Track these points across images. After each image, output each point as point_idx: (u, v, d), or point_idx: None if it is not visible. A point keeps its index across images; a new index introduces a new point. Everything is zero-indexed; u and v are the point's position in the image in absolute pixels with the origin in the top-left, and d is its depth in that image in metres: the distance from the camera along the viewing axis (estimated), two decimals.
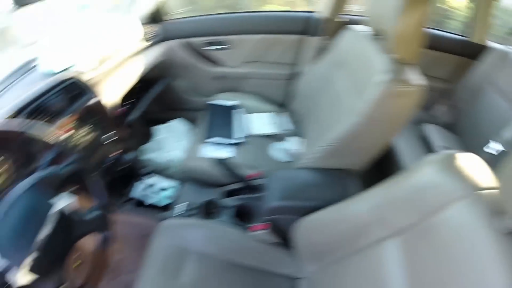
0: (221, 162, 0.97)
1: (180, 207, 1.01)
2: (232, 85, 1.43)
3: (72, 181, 0.69)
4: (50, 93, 0.84)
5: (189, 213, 1.00)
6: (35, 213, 0.57)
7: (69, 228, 0.62)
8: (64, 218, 0.60)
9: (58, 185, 0.63)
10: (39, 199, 0.60)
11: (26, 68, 0.97)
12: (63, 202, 0.60)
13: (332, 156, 0.84)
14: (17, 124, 0.67)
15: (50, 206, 0.59)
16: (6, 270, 0.51)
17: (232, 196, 1.02)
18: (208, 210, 1.00)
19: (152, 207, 1.11)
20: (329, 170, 0.87)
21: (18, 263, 0.51)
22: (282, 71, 1.36)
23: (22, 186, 0.59)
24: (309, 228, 0.75)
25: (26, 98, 0.80)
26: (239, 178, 0.98)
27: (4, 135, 0.65)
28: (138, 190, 1.13)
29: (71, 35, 0.98)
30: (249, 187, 0.99)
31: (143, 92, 1.31)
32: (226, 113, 1.20)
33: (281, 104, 1.36)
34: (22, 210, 0.56)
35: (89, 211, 0.67)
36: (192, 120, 1.46)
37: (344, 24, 1.10)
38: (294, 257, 0.78)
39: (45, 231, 0.56)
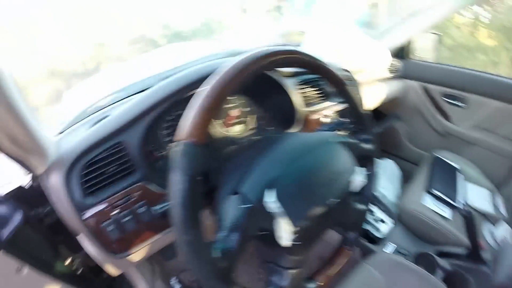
0: (465, 217, 0.93)
1: (390, 246, 1.06)
2: (453, 145, 1.38)
3: (365, 160, 0.61)
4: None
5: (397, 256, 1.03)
6: (335, 172, 0.48)
7: (343, 208, 0.53)
8: (349, 195, 0.52)
9: (356, 158, 0.54)
10: (343, 160, 0.50)
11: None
12: (357, 176, 0.51)
13: None
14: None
15: (350, 173, 0.50)
16: (277, 216, 0.41)
17: (445, 257, 1.01)
18: (419, 262, 1.02)
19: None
20: None
21: (295, 218, 0.42)
22: (510, 149, 1.28)
23: (324, 136, 0.51)
24: None
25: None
26: (471, 241, 0.93)
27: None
28: None
29: (337, 37, 1.06)
30: (471, 255, 0.95)
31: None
32: (451, 172, 1.19)
33: (497, 183, 1.28)
34: (323, 162, 0.47)
35: (358, 202, 0.59)
36: (400, 167, 1.46)
37: None
38: None
39: (331, 198, 0.47)
